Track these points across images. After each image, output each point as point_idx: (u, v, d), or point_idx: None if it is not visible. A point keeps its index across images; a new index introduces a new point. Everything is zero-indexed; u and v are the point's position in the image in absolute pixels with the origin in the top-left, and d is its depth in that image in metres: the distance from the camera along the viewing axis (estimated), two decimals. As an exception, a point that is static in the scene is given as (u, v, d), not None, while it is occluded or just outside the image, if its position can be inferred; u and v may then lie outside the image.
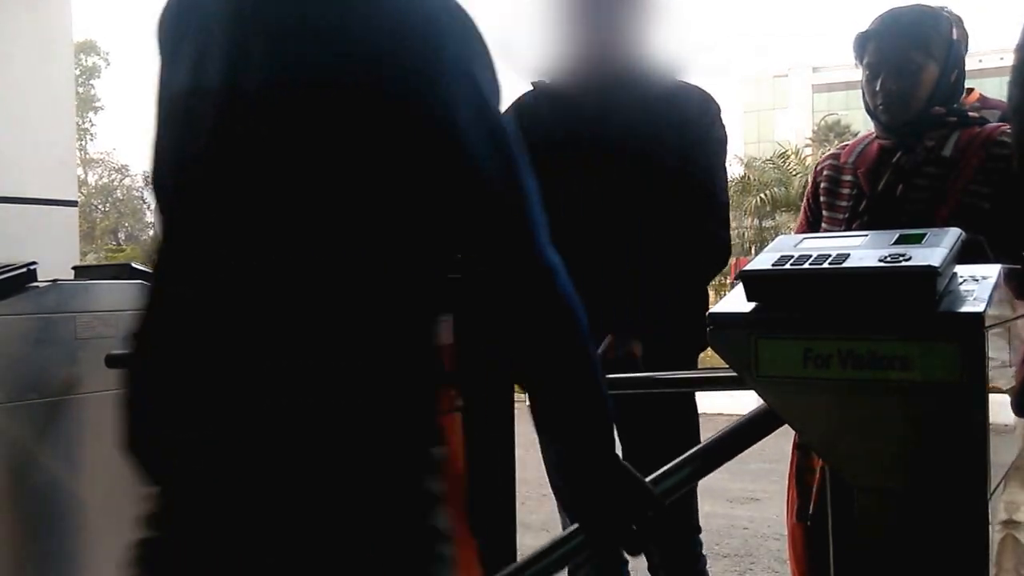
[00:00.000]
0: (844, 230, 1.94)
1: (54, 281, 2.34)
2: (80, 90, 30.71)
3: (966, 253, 1.28)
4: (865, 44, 1.98)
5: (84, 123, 35.01)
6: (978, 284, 1.20)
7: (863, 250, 1.24)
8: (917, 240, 1.24)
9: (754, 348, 1.25)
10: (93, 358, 2.32)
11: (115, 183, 37.53)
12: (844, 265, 1.21)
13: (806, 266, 1.23)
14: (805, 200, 2.16)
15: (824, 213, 2.06)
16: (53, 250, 3.30)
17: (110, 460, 2.38)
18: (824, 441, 1.29)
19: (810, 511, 1.89)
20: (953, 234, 1.25)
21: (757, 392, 1.28)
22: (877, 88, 1.96)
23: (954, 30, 1.94)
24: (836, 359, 1.20)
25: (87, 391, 2.34)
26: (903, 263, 1.18)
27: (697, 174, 2.02)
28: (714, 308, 1.31)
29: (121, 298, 2.42)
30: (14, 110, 3.50)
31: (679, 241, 1.96)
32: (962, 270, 1.24)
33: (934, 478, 1.20)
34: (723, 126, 2.09)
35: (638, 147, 1.98)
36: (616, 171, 1.98)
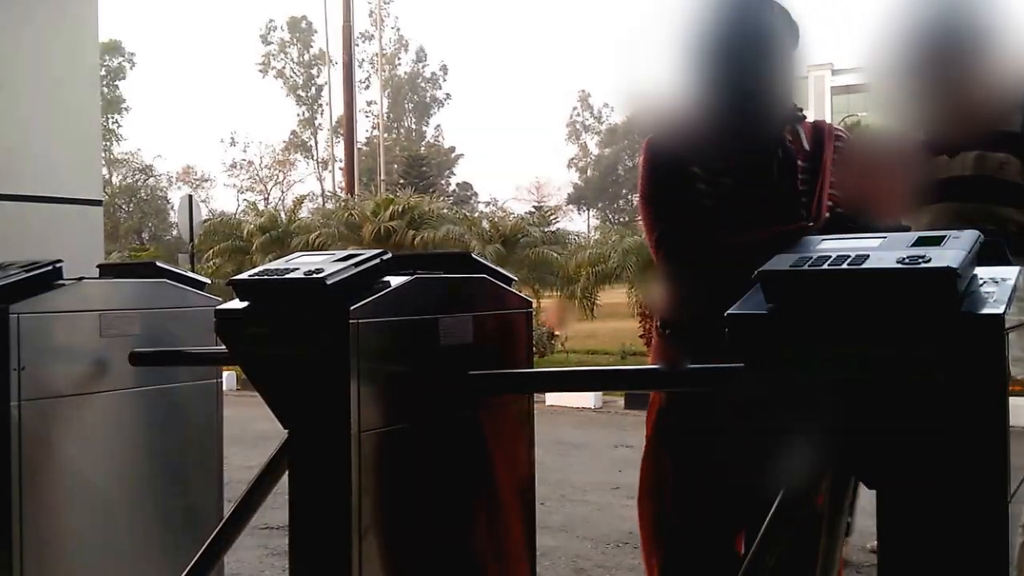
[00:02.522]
0: (745, 221, 1.83)
1: (79, 279, 2.37)
2: (105, 91, 31.03)
3: (985, 255, 1.27)
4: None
5: (109, 124, 35.36)
6: (998, 286, 1.20)
7: (882, 251, 1.24)
8: (936, 242, 1.24)
9: (772, 349, 1.26)
10: (118, 356, 2.35)
11: (139, 183, 37.86)
12: (864, 266, 1.21)
13: (825, 267, 1.24)
14: (649, 197, 1.97)
15: (686, 211, 1.91)
16: (78, 248, 3.34)
17: (133, 456, 2.42)
18: (844, 441, 1.29)
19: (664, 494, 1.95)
20: (971, 236, 1.25)
21: (776, 393, 1.28)
22: (751, 77, 1.88)
23: (783, 20, 1.92)
24: (855, 359, 1.20)
25: (112, 388, 2.36)
26: (923, 264, 1.18)
27: None
28: (732, 309, 1.31)
29: (145, 296, 2.45)
30: (41, 111, 3.55)
31: None
32: (982, 272, 1.24)
33: (954, 480, 1.19)
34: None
35: None
36: None
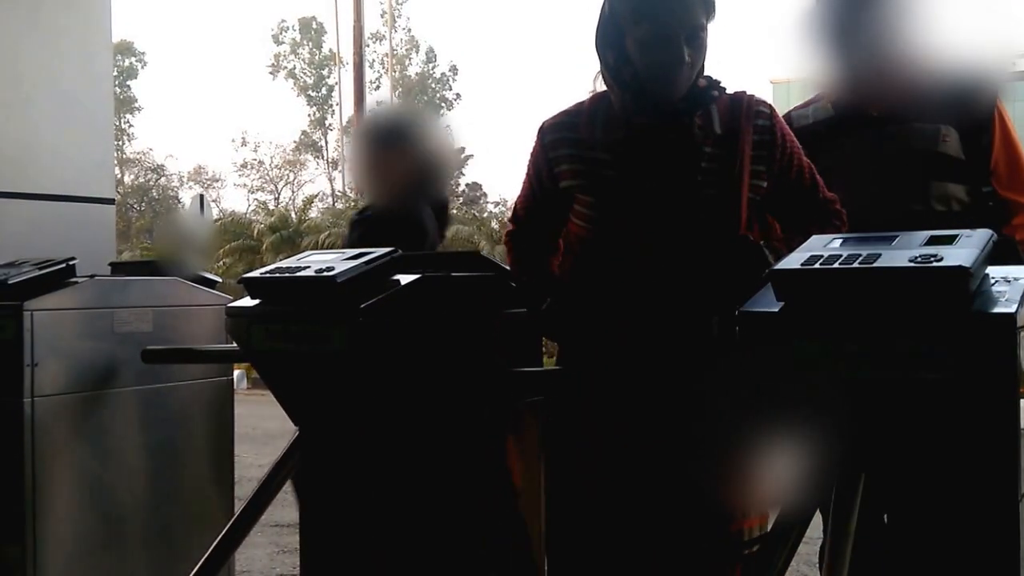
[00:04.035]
0: (626, 217, 1.72)
1: (92, 276, 2.38)
2: (117, 91, 31.19)
3: (998, 254, 1.27)
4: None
5: (121, 123, 35.54)
6: (1010, 285, 1.20)
7: (893, 250, 1.24)
8: (949, 241, 1.24)
9: (784, 347, 1.26)
10: (129, 353, 2.36)
11: (151, 183, 38.02)
12: (875, 265, 1.21)
13: (836, 265, 1.24)
14: (534, 174, 1.85)
15: (582, 197, 1.77)
16: (91, 247, 3.36)
17: (144, 452, 2.44)
18: (855, 440, 1.29)
19: None
20: (984, 235, 1.25)
21: (786, 392, 1.28)
22: (657, 57, 1.67)
23: None
24: (867, 358, 1.20)
25: (123, 385, 2.38)
26: (935, 263, 1.18)
27: None
28: (744, 307, 1.31)
29: (157, 294, 2.46)
30: (55, 110, 3.57)
31: None
32: (994, 271, 1.24)
33: (964, 479, 1.19)
34: None
35: None
36: None
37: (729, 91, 1.76)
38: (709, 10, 1.70)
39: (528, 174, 1.88)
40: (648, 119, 1.72)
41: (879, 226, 1.99)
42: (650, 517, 1.74)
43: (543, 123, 1.85)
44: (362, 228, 2.89)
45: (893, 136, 2.08)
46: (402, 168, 2.82)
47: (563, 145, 1.79)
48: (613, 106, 1.77)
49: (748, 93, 1.79)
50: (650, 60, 1.68)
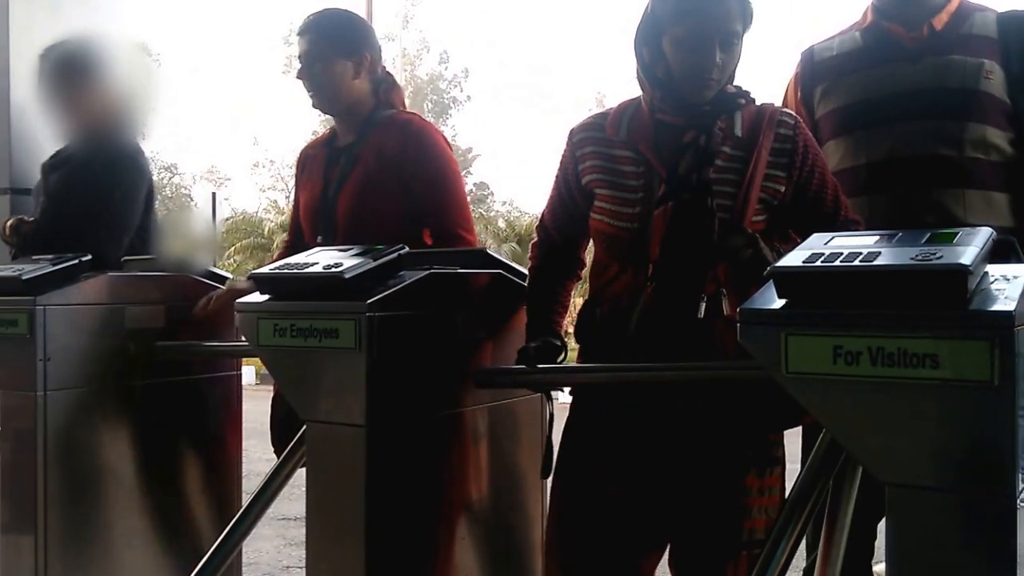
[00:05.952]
0: (640, 211, 1.74)
1: (105, 272, 2.40)
2: (130, 90, 31.21)
3: (997, 253, 1.28)
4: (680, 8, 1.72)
5: (133, 122, 35.62)
6: (1009, 283, 1.20)
7: (894, 248, 1.25)
8: (948, 239, 1.25)
9: (784, 345, 1.27)
10: (141, 348, 2.38)
11: (164, 181, 38.18)
12: (875, 263, 1.23)
13: (837, 263, 1.25)
14: (561, 175, 1.88)
15: (601, 192, 1.80)
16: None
17: (154, 447, 2.46)
18: (853, 438, 1.30)
19: None
20: (984, 234, 1.26)
21: (786, 389, 1.30)
22: (690, 56, 1.70)
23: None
24: (866, 356, 1.21)
25: (135, 380, 2.40)
26: (934, 261, 1.19)
27: None
28: (744, 304, 1.32)
29: (168, 290, 2.48)
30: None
31: None
32: (993, 269, 1.25)
33: (963, 477, 1.20)
34: None
35: None
36: None
37: (757, 103, 1.80)
38: (746, 19, 1.73)
39: (557, 177, 1.92)
40: (673, 118, 1.77)
41: (901, 171, 1.91)
42: (654, 514, 1.75)
43: (573, 127, 1.91)
44: (61, 170, 2.61)
45: (928, 69, 1.91)
46: (92, 102, 2.65)
47: (588, 143, 1.85)
48: (641, 107, 1.83)
49: (775, 105, 1.83)
50: (683, 58, 1.72)
